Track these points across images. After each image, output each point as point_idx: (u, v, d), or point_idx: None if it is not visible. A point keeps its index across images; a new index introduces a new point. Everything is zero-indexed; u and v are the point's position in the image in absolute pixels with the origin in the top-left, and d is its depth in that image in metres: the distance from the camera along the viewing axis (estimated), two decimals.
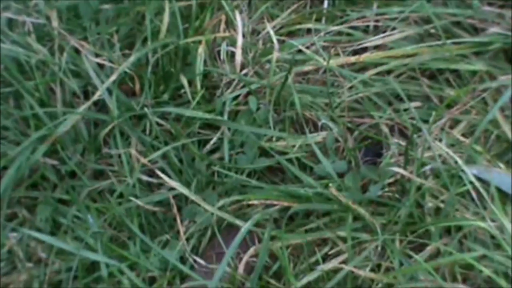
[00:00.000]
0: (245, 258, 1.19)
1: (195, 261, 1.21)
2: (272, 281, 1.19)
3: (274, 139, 1.29)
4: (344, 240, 1.19)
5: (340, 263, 1.17)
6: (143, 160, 1.26)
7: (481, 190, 1.16)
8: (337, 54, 1.36)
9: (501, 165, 1.22)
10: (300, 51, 1.36)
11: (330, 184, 1.21)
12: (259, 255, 1.18)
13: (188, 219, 1.24)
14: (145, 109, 1.29)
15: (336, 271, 1.16)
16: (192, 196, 1.23)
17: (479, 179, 1.18)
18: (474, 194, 1.17)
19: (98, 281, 1.22)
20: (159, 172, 1.25)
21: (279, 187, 1.25)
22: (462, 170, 1.18)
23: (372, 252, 1.17)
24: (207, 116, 1.29)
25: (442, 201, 1.19)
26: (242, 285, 1.18)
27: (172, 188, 1.25)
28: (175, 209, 1.23)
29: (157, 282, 1.20)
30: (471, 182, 1.17)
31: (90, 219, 1.25)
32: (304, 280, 1.17)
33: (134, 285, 1.19)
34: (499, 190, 1.18)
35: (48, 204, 1.28)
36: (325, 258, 1.20)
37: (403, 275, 1.13)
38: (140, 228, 1.25)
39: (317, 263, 1.19)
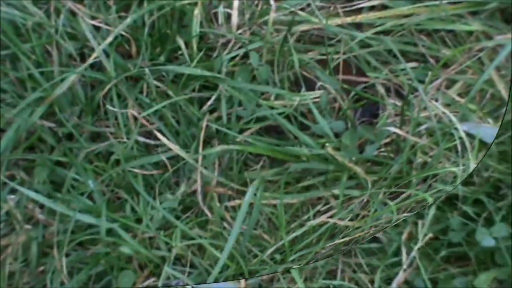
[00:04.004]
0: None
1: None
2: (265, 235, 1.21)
3: (272, 97, 1.29)
4: (336, 197, 1.21)
5: (328, 217, 1.20)
6: (141, 119, 1.27)
7: (467, 143, 1.18)
8: (334, 15, 1.36)
9: (490, 120, 1.24)
10: (297, 11, 1.35)
11: (327, 144, 1.22)
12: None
13: (185, 179, 1.25)
14: (143, 69, 1.29)
15: (322, 224, 1.19)
16: (189, 159, 1.24)
17: (469, 134, 1.19)
18: (459, 147, 1.19)
19: (95, 242, 1.23)
20: (157, 133, 1.25)
21: (277, 148, 1.25)
22: (455, 128, 1.19)
23: (357, 205, 1.19)
24: (206, 73, 1.28)
25: (431, 156, 1.21)
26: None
27: (169, 149, 1.26)
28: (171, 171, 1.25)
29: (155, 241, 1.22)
30: (460, 138, 1.19)
31: (90, 184, 1.26)
32: (293, 235, 1.19)
33: (131, 246, 1.21)
34: (483, 142, 1.20)
35: (45, 166, 1.28)
36: (316, 215, 1.22)
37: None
38: (138, 190, 1.26)
39: (309, 220, 1.21)
